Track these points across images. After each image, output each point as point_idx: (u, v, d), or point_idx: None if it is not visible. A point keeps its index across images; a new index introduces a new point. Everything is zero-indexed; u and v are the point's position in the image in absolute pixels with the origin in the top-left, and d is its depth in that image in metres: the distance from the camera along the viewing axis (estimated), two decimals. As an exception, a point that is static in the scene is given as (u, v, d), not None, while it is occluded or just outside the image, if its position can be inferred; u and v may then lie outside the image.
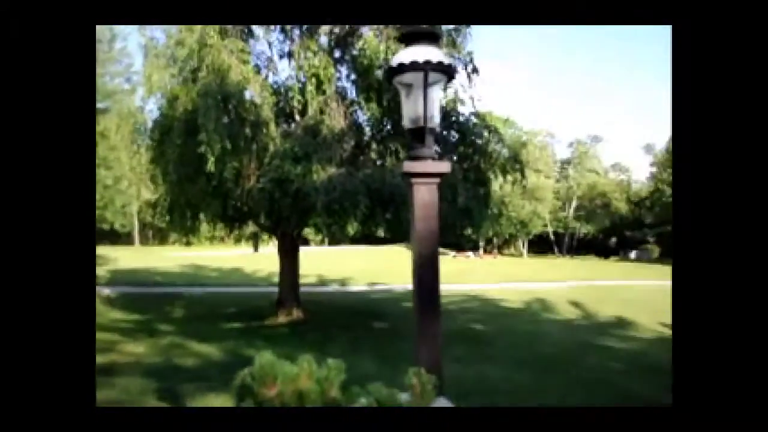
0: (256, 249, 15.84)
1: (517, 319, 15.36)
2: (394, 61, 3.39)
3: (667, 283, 29.88)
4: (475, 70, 11.35)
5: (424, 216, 3.41)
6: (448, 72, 3.43)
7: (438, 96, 3.55)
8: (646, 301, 20.01)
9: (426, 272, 3.47)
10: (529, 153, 59.37)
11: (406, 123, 3.50)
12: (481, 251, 60.98)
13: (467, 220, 11.15)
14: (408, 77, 3.37)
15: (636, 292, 24.27)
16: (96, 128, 12.60)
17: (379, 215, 10.41)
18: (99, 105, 24.72)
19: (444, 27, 10.79)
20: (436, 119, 3.46)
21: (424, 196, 3.40)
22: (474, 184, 11.69)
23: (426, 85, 3.31)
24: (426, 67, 3.26)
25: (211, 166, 8.96)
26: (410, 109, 3.44)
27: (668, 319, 15.05)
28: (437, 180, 3.44)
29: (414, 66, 3.28)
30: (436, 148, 12.23)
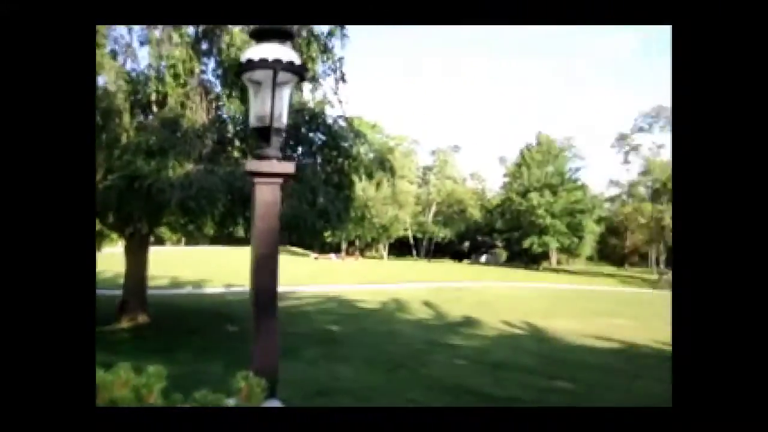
0: (98, 249, 14.66)
1: (373, 319, 15.72)
2: (244, 57, 3.34)
3: (513, 284, 32.30)
4: (343, 78, 11.44)
5: (264, 215, 3.40)
6: (299, 72, 3.43)
7: (287, 96, 3.53)
8: (492, 302, 21.44)
9: (263, 272, 3.46)
10: (395, 159, 61.03)
11: (252, 121, 3.46)
12: (343, 253, 61.56)
13: (326, 222, 11.20)
14: (257, 75, 3.33)
15: (483, 294, 25.87)
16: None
17: (239, 214, 10.12)
18: None
19: (318, 29, 10.75)
20: (283, 119, 3.44)
21: (266, 196, 3.39)
22: (336, 187, 11.79)
23: (274, 84, 3.28)
24: (276, 65, 3.24)
25: None
26: (257, 107, 3.40)
27: (509, 317, 16.26)
28: (280, 180, 3.43)
29: (263, 64, 3.24)
30: (302, 148, 12.20)
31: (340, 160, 12.18)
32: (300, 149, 12.20)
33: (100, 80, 9.40)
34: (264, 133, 3.39)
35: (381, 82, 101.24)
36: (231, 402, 2.28)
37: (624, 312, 22.01)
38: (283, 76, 3.31)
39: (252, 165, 3.38)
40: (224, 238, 36.82)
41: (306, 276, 32.21)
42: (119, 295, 13.27)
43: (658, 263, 56.01)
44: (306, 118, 11.50)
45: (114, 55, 10.57)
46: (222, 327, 13.09)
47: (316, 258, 53.15)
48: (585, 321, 17.75)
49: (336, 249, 61.47)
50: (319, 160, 12.06)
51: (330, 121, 12.11)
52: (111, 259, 15.24)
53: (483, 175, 77.19)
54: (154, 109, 10.35)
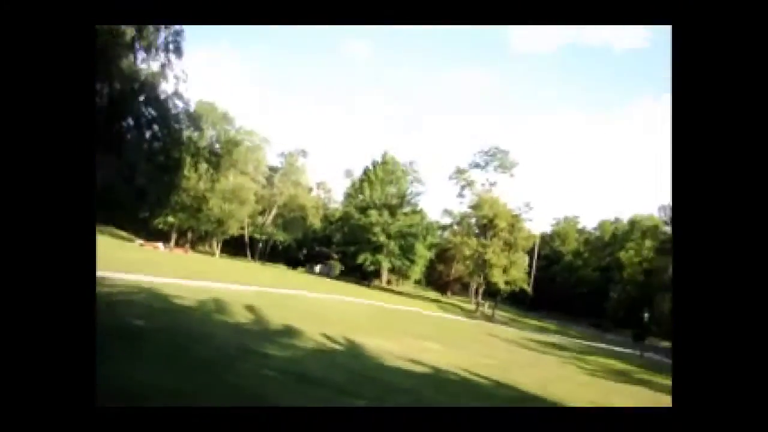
0: None
1: (186, 317, 14.75)
2: None
3: (341, 298, 32.56)
4: (177, 49, 10.65)
5: None
6: None
7: None
8: (316, 313, 21.33)
9: None
10: (240, 153, 59.13)
11: None
12: (172, 243, 57.96)
13: (141, 201, 10.27)
14: None
15: (309, 304, 25.72)
16: None
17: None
18: None
19: None
20: None
21: None
22: (160, 168, 10.89)
23: None
24: None
25: None
26: None
27: (330, 331, 16.20)
28: None
29: None
30: (129, 120, 11.13)
31: (168, 140, 11.35)
32: (128, 120, 11.19)
33: None
34: None
35: (241, 75, 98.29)
36: None
37: (439, 337, 23.13)
38: None
39: None
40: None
41: (125, 263, 29.66)
42: None
43: (476, 294, 60.15)
44: (134, 87, 10.57)
45: None
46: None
47: (141, 245, 49.29)
48: (402, 342, 18.29)
49: (165, 238, 57.71)
50: (147, 136, 11.13)
51: (163, 97, 11.24)
52: None
53: (329, 185, 77.81)
54: None
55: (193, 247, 62.33)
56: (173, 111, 10.10)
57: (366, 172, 66.64)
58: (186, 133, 10.97)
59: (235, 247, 66.78)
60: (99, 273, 21.38)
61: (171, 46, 9.41)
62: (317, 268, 68.00)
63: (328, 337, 15.44)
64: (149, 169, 8.98)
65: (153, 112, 10.23)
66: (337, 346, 14.68)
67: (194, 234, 62.45)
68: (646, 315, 40.43)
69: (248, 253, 66.47)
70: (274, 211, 67.27)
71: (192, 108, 11.34)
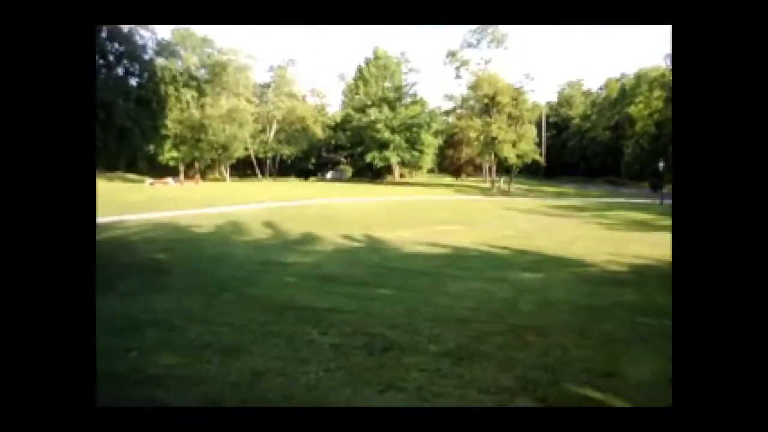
0: None
1: (205, 243, 14.96)
2: None
3: (356, 200, 32.79)
4: None
5: None
6: None
7: None
8: (333, 217, 21.52)
9: None
10: (229, 75, 57.66)
11: None
12: (181, 176, 58.18)
13: (124, 142, 10.11)
14: None
15: (326, 210, 25.94)
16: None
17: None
18: None
19: None
20: None
21: None
22: (138, 102, 10.61)
23: None
24: None
25: None
26: None
27: (348, 232, 16.39)
28: None
29: None
30: (99, 60, 10.72)
31: (144, 74, 10.97)
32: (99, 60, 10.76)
33: None
34: None
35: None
36: None
37: (457, 218, 23.35)
38: None
39: None
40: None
41: (138, 204, 29.95)
42: None
43: (490, 172, 60.15)
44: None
45: None
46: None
47: (151, 184, 49.62)
48: (420, 229, 18.51)
49: (174, 172, 57.86)
50: (120, 72, 10.75)
51: (126, 30, 10.74)
52: None
53: (323, 91, 76.01)
54: None
55: (203, 176, 62.53)
56: (140, 42, 9.73)
57: (359, 70, 64.79)
58: (161, 63, 10.59)
59: (243, 169, 66.86)
60: (115, 217, 21.71)
61: None
62: (329, 174, 68.18)
63: (347, 237, 15.65)
64: (127, 107, 8.74)
65: (119, 47, 9.81)
66: (356, 244, 14.90)
67: (201, 164, 62.45)
68: (661, 164, 40.16)
69: (257, 172, 66.55)
70: (274, 127, 66.44)
71: (162, 37, 11.00)
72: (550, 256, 12.68)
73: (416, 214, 25.70)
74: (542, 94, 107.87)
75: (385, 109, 59.07)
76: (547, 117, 76.10)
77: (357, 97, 63.40)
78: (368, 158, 59.68)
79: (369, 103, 60.47)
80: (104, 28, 10.34)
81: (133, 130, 9.90)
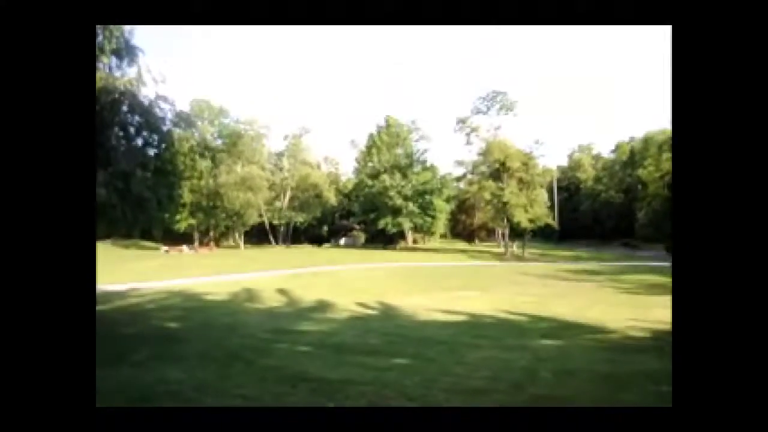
0: None
1: (218, 311, 14.87)
2: None
3: (370, 265, 32.69)
4: (129, 51, 10.47)
5: None
6: None
7: None
8: (347, 284, 21.39)
9: None
10: (245, 144, 59.11)
11: None
12: (196, 244, 58.59)
13: (140, 211, 10.28)
14: None
15: (339, 276, 25.82)
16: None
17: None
18: None
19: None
20: None
21: None
22: (156, 172, 10.87)
23: None
24: None
25: None
26: None
27: (362, 299, 16.25)
28: None
29: None
30: (115, 131, 11.07)
31: (162, 145, 11.29)
32: (115, 132, 11.11)
33: None
34: None
35: (228, 67, 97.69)
36: None
37: (471, 284, 23.12)
38: None
39: None
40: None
41: (153, 271, 30.10)
42: None
43: (503, 237, 59.96)
44: (116, 98, 10.44)
45: None
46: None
47: (166, 251, 50.01)
48: (435, 296, 18.31)
49: (189, 239, 58.33)
50: (139, 143, 11.06)
51: (146, 102, 11.10)
52: None
53: (336, 158, 77.32)
54: None
55: (217, 243, 62.95)
56: (159, 114, 10.06)
57: (371, 138, 66.10)
58: (179, 133, 11.01)
59: (257, 236, 67.25)
60: (131, 284, 21.78)
61: (127, 45, 9.29)
62: (342, 241, 68.35)
63: (361, 304, 15.50)
64: (145, 176, 9.01)
65: (139, 119, 10.20)
66: (370, 311, 14.73)
67: (216, 231, 63.00)
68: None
69: (271, 239, 66.91)
70: (288, 194, 67.32)
71: (180, 108, 11.46)
72: (568, 322, 12.42)
73: (431, 281, 25.51)
74: (553, 158, 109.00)
75: (397, 175, 59.79)
76: (559, 181, 76.51)
77: (370, 164, 64.37)
78: (381, 224, 59.92)
79: (381, 170, 61.32)
80: (125, 101, 10.68)
81: (151, 199, 10.06)
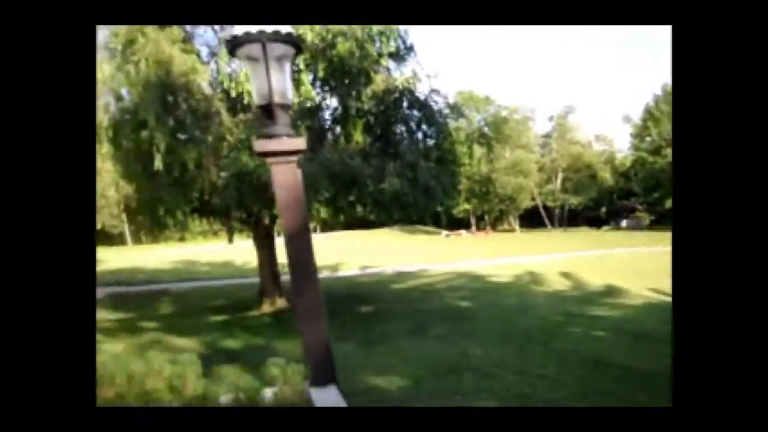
0: (230, 241, 15.56)
1: (505, 293, 15.22)
2: (231, 32, 3.15)
3: (659, 249, 30.00)
4: (409, 48, 11.21)
5: (286, 198, 3.22)
6: (290, 42, 3.18)
7: (287, 70, 3.28)
8: (638, 269, 19.90)
9: (297, 252, 3.26)
10: (511, 128, 59.26)
11: (256, 99, 3.27)
12: (473, 228, 60.92)
13: (428, 198, 11.00)
14: (251, 50, 3.12)
15: (627, 261, 24.20)
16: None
17: (342, 198, 10.23)
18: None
19: None
20: (288, 94, 3.22)
21: (283, 178, 3.20)
22: (438, 161, 11.57)
23: (266, 57, 3.06)
24: (261, 37, 3.02)
25: (158, 163, 8.57)
26: (258, 84, 3.19)
27: (658, 285, 14.98)
28: (295, 158, 3.22)
29: (250, 37, 3.03)
30: (401, 127, 12.13)
31: (440, 136, 11.98)
32: (397, 128, 12.13)
33: (204, 84, 9.76)
34: (268, 110, 3.17)
35: (490, 54, 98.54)
36: (269, 392, 2.25)
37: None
38: (276, 48, 3.09)
39: (260, 145, 3.18)
40: (356, 223, 37.89)
41: (437, 254, 32.22)
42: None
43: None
44: (397, 96, 11.38)
45: (205, 58, 10.98)
46: (356, 308, 13.35)
47: (446, 235, 53.12)
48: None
49: (466, 225, 60.97)
50: (420, 136, 11.90)
51: (422, 97, 11.85)
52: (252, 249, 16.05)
53: (609, 135, 71.92)
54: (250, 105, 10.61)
55: (493, 227, 64.53)
56: (435, 107, 10.87)
57: (648, 110, 60.02)
58: (453, 124, 11.67)
59: (531, 220, 66.86)
60: (418, 266, 23.69)
61: (401, 45, 10.24)
62: (623, 223, 63.72)
63: (658, 291, 14.27)
64: (429, 165, 9.79)
65: (417, 113, 11.20)
66: (669, 299, 13.48)
67: (491, 216, 64.57)
68: None
69: (546, 222, 65.83)
70: (560, 176, 65.33)
71: (451, 100, 12.00)
72: None
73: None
74: None
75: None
76: None
77: (648, 138, 58.62)
78: (668, 203, 54.16)
79: (663, 143, 55.33)
80: (405, 98, 11.65)
81: (436, 187, 10.82)
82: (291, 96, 3.26)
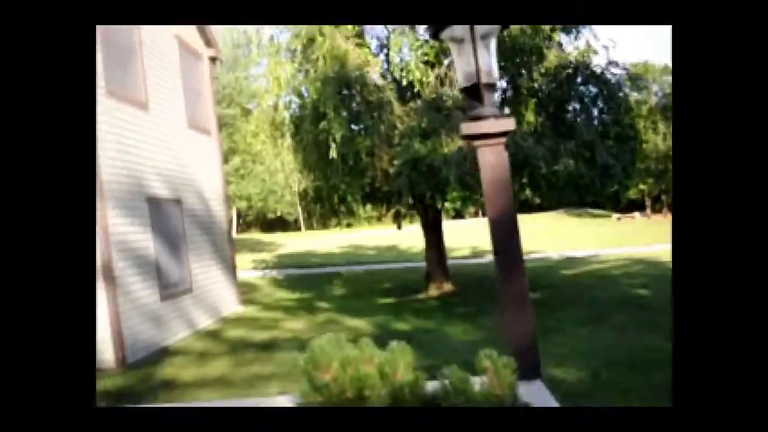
0: (399, 227, 16.04)
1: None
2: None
3: None
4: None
5: (492, 179, 3.07)
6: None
7: (493, 48, 3.15)
8: None
9: (503, 238, 3.13)
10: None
11: (460, 80, 3.17)
12: (648, 210, 56.47)
13: (607, 178, 10.31)
14: (456, 31, 3.05)
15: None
16: (248, 128, 13.56)
17: (514, 182, 10.03)
18: (247, 105, 27.16)
19: None
20: (494, 74, 3.08)
21: (490, 159, 3.06)
22: (617, 139, 10.79)
23: (474, 37, 2.97)
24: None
25: (333, 152, 9.08)
26: (463, 65, 3.09)
27: None
28: (503, 140, 3.08)
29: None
30: (572, 105, 11.50)
31: (619, 111, 11.11)
32: (571, 106, 11.46)
33: (375, 76, 10.14)
34: (474, 91, 3.05)
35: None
36: (478, 381, 2.20)
37: None
38: (482, 27, 2.99)
39: (467, 128, 3.05)
40: (521, 205, 37.01)
41: (609, 238, 30.45)
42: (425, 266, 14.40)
43: None
44: (570, 72, 10.74)
45: (375, 51, 11.30)
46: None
47: (618, 219, 49.92)
48: None
49: (640, 207, 56.72)
50: (595, 113, 11.16)
51: (598, 70, 11.06)
52: (419, 235, 16.46)
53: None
54: (420, 93, 10.76)
55: (670, 209, 59.28)
56: (612, 81, 9.91)
57: None
58: (635, 97, 10.73)
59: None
60: (589, 251, 22.52)
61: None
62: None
63: None
64: (608, 144, 9.04)
65: (593, 89, 10.38)
66: None
67: (668, 196, 59.31)
68: None
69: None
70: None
71: (630, 72, 10.90)
72: None
73: None
74: None
75: None
76: None
77: None
78: None
79: None
80: (579, 74, 10.97)
81: (615, 166, 10.11)
82: (497, 75, 3.18)
